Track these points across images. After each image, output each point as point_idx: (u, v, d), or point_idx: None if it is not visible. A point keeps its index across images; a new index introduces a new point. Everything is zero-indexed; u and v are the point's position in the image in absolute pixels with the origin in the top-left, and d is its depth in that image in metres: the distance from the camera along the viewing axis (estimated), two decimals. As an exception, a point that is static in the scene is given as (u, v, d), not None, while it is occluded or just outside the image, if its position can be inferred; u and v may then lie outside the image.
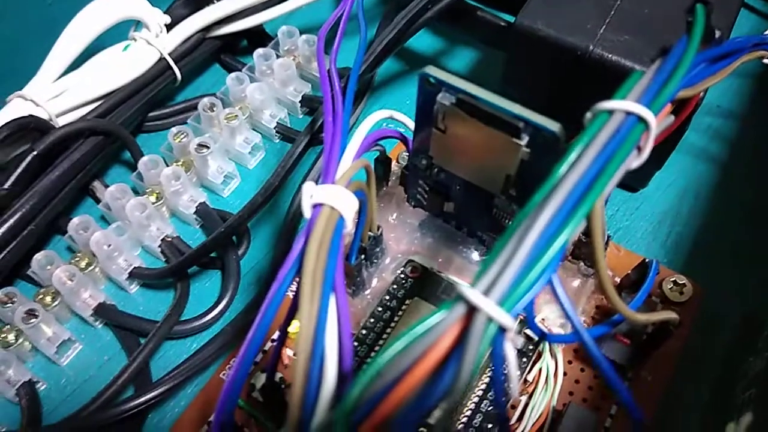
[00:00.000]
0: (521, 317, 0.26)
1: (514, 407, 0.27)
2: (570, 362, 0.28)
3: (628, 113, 0.19)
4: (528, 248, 0.17)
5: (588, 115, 0.19)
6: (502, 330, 0.16)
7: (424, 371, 0.16)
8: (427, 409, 0.16)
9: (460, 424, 0.26)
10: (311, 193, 0.22)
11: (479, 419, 0.26)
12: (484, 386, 0.26)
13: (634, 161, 0.19)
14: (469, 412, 0.26)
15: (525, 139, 0.23)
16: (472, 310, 0.16)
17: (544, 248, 0.17)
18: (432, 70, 0.24)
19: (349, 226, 0.22)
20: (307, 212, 0.21)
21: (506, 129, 0.23)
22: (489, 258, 0.17)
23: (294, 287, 0.28)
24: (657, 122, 0.19)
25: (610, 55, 0.29)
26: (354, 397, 0.16)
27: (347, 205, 0.21)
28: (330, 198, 0.21)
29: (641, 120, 0.19)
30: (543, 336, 0.20)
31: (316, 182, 0.22)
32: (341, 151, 0.24)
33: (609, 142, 0.18)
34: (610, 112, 0.19)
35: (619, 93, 0.19)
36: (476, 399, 0.26)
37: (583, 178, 0.18)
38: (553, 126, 0.22)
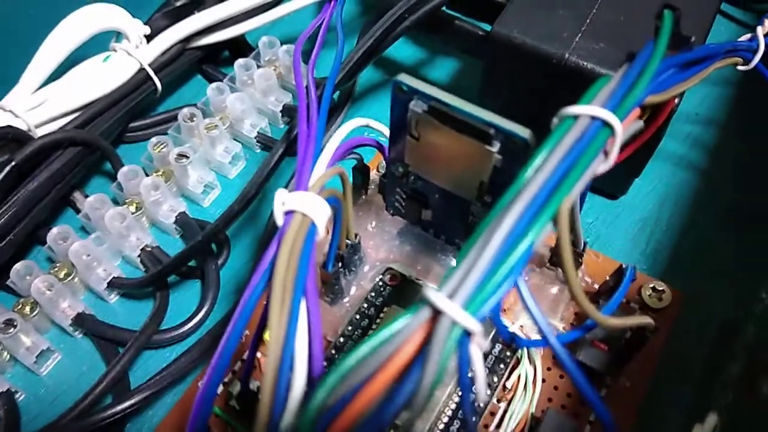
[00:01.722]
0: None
1: (492, 414, 0.27)
2: (549, 369, 0.28)
3: (593, 118, 0.19)
4: (493, 252, 0.17)
5: (554, 120, 0.20)
6: (467, 334, 0.17)
7: (388, 376, 0.16)
8: (393, 415, 0.16)
9: (437, 430, 0.26)
10: (283, 201, 0.22)
11: (457, 426, 0.26)
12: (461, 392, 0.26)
13: (601, 166, 0.20)
14: (446, 419, 0.26)
15: (497, 146, 0.23)
16: (436, 314, 0.16)
17: (509, 251, 0.17)
18: (404, 78, 0.24)
19: (321, 234, 0.22)
20: (279, 219, 0.21)
21: (478, 136, 0.23)
22: (455, 265, 0.17)
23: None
24: (623, 128, 0.20)
25: (585, 63, 0.29)
26: (318, 402, 0.16)
27: (319, 212, 0.21)
28: (301, 205, 0.21)
29: (606, 125, 0.19)
30: (512, 340, 0.20)
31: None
32: (315, 158, 0.24)
33: (574, 146, 0.18)
34: (576, 117, 0.19)
35: (584, 98, 0.19)
36: (453, 406, 0.26)
37: (547, 182, 0.18)
38: (524, 132, 0.22)
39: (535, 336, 0.29)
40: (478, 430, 0.26)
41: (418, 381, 0.16)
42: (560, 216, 0.18)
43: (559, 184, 0.18)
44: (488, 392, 0.26)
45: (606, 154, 0.20)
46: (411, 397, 0.16)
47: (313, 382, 0.19)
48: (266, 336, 0.28)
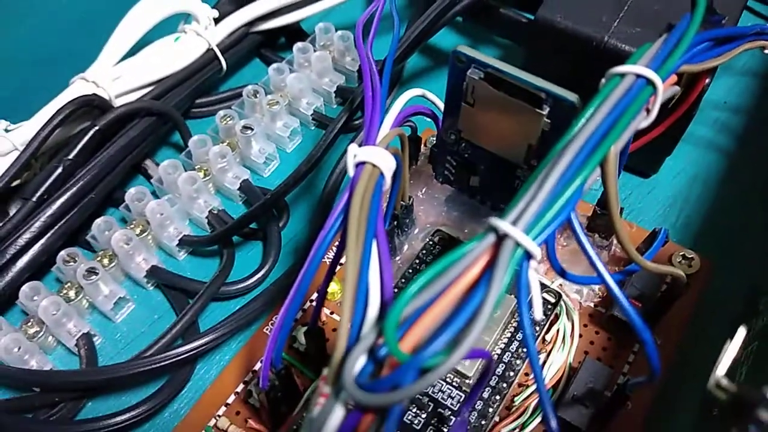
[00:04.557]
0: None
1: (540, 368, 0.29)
2: (585, 326, 0.31)
3: (638, 76, 0.21)
4: (550, 187, 0.19)
5: (602, 80, 0.22)
6: (527, 256, 0.19)
7: (458, 291, 0.19)
8: (460, 328, 0.18)
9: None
10: (355, 153, 0.24)
11: (502, 368, 0.28)
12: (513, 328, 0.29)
13: (643, 121, 0.22)
14: (499, 350, 0.28)
15: (546, 110, 0.26)
16: (501, 238, 0.19)
17: (564, 187, 0.20)
18: (463, 49, 0.26)
19: (388, 183, 0.24)
20: (351, 170, 0.24)
21: (529, 100, 0.26)
22: (516, 196, 0.20)
23: (330, 255, 0.31)
24: (664, 88, 0.22)
25: (623, 46, 0.32)
26: (400, 310, 0.18)
27: (387, 164, 0.24)
28: (372, 157, 0.24)
29: (649, 83, 0.21)
30: (563, 274, 0.22)
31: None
32: (381, 119, 0.26)
33: (621, 100, 0.21)
34: (622, 76, 0.21)
35: (630, 60, 0.22)
36: (499, 350, 0.29)
37: (597, 129, 0.20)
38: (572, 96, 0.25)
39: (574, 295, 0.31)
40: (518, 378, 0.29)
41: (484, 296, 0.18)
42: (608, 160, 0.21)
43: (607, 133, 0.20)
44: (542, 314, 0.28)
45: (648, 111, 0.22)
46: (477, 310, 0.18)
47: (384, 305, 0.21)
48: (330, 290, 0.30)
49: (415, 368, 0.17)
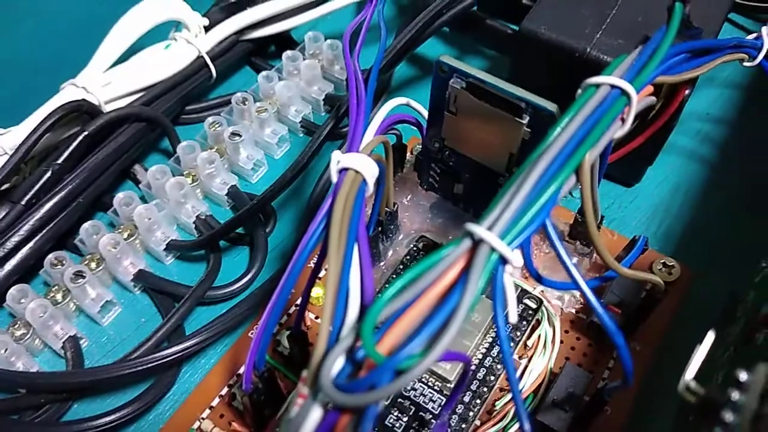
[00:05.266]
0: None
1: (514, 369, 0.30)
2: (567, 332, 0.31)
3: (613, 87, 0.22)
4: (525, 193, 0.20)
5: (579, 90, 0.23)
6: (503, 261, 0.19)
7: (434, 295, 0.19)
8: (437, 330, 0.19)
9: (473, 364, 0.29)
10: (338, 160, 0.25)
11: (483, 372, 0.29)
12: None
13: (618, 131, 0.23)
14: (473, 367, 0.29)
15: (526, 119, 0.26)
16: (477, 243, 0.19)
17: (539, 194, 0.20)
18: (446, 59, 0.27)
19: (371, 189, 0.25)
20: (334, 176, 0.24)
21: (510, 109, 0.26)
22: (493, 202, 0.20)
23: (315, 260, 0.31)
24: (638, 98, 0.23)
25: (605, 57, 0.32)
26: (377, 312, 0.19)
27: (369, 170, 0.24)
28: (354, 163, 0.24)
29: (624, 93, 0.22)
30: (539, 279, 0.23)
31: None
32: (364, 127, 0.27)
33: (595, 110, 0.21)
34: (597, 86, 0.22)
35: (605, 71, 0.22)
36: (480, 356, 0.29)
37: (572, 138, 0.21)
38: (551, 106, 0.25)
39: (555, 301, 0.32)
40: (499, 383, 0.29)
41: (459, 300, 0.19)
42: (583, 168, 0.21)
43: (582, 141, 0.21)
44: (516, 318, 0.29)
45: (623, 120, 0.23)
46: (452, 313, 0.19)
47: (365, 309, 0.22)
48: (313, 294, 0.31)
49: (390, 369, 0.18)
